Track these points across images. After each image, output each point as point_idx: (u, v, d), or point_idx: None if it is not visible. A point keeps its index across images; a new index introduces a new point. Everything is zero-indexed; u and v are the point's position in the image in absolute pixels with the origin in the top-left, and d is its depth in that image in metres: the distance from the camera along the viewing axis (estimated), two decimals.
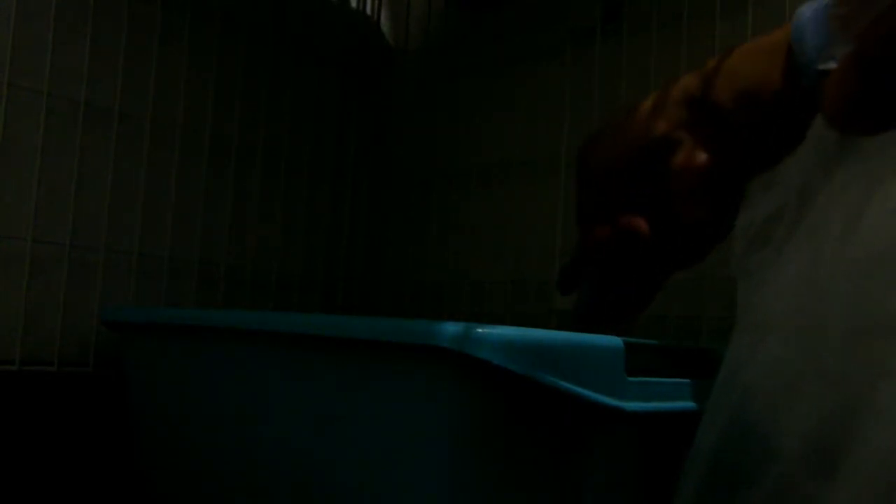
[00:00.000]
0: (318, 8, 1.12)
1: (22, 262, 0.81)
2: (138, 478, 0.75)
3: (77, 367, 0.84)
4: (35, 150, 0.82)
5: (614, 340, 0.51)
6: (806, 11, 0.32)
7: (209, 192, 0.98)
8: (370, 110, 1.19)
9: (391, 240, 1.20)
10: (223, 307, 0.98)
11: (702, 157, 0.37)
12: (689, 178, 0.38)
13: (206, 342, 0.65)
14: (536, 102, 1.05)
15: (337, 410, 0.53)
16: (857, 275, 0.28)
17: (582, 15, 1.01)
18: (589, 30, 1.00)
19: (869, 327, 0.26)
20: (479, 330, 0.44)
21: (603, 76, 0.98)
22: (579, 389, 0.47)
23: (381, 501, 0.50)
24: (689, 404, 0.54)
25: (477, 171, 1.11)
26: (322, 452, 0.54)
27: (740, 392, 0.32)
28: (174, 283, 0.94)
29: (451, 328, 0.44)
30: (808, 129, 0.35)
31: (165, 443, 0.72)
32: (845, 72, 0.22)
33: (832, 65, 0.29)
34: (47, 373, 0.82)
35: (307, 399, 0.55)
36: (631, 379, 0.51)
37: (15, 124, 0.81)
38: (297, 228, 1.08)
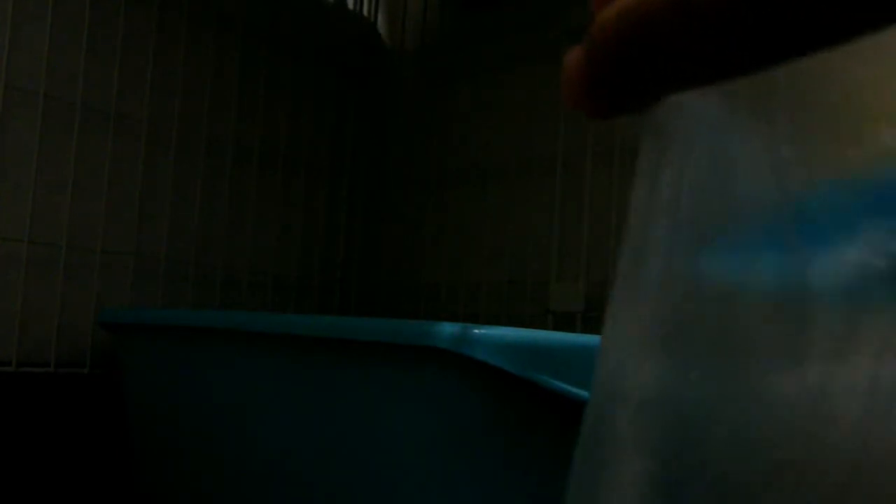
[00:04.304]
0: (314, 9, 1.12)
1: (18, 264, 0.81)
2: (134, 478, 0.75)
3: (73, 368, 0.84)
4: (31, 151, 0.82)
5: None
6: None
7: (205, 194, 0.98)
8: (367, 111, 1.19)
9: (388, 241, 1.20)
10: (220, 308, 0.98)
11: None
12: None
13: (202, 343, 0.65)
14: (533, 103, 1.05)
15: (334, 411, 0.53)
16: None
17: (579, 15, 1.01)
18: (586, 30, 1.00)
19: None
20: (476, 331, 0.44)
21: None
22: (575, 390, 0.47)
23: (378, 500, 0.51)
24: None
25: (473, 172, 1.11)
26: (318, 452, 0.54)
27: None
28: (171, 285, 0.94)
29: (448, 329, 0.44)
30: None
31: (162, 443, 0.72)
32: (582, 49, 0.18)
33: None
34: (44, 374, 0.82)
35: (303, 399, 0.55)
36: None
37: (11, 125, 0.81)
38: (293, 230, 1.08)
